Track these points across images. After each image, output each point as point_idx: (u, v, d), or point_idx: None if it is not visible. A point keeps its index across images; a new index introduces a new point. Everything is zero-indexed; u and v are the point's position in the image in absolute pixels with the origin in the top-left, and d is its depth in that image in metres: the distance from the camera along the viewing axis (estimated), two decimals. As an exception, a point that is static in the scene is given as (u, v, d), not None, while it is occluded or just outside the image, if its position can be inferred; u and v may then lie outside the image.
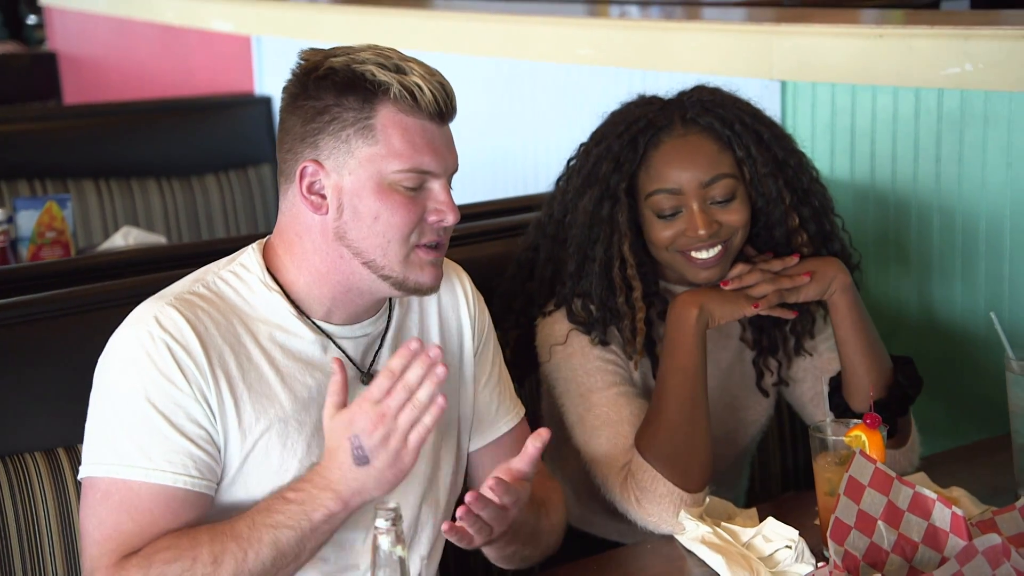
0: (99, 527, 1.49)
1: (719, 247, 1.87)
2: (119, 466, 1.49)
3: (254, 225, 4.02)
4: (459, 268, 1.79)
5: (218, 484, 1.54)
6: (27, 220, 2.94)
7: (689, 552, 1.72)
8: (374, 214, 1.55)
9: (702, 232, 1.84)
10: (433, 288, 1.60)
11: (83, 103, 5.22)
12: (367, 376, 1.63)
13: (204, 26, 4.44)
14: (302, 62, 1.59)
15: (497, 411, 1.78)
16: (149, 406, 1.49)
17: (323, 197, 1.56)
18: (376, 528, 1.31)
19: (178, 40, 4.73)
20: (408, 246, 1.56)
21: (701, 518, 1.75)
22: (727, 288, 1.87)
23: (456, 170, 1.60)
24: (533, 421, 2.11)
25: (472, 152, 3.39)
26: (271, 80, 4.17)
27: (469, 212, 2.46)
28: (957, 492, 1.81)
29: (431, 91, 1.55)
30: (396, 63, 1.55)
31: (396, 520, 1.31)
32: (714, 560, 1.66)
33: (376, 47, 1.58)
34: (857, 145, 2.41)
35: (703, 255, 1.87)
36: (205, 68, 4.59)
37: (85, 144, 3.85)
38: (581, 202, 1.90)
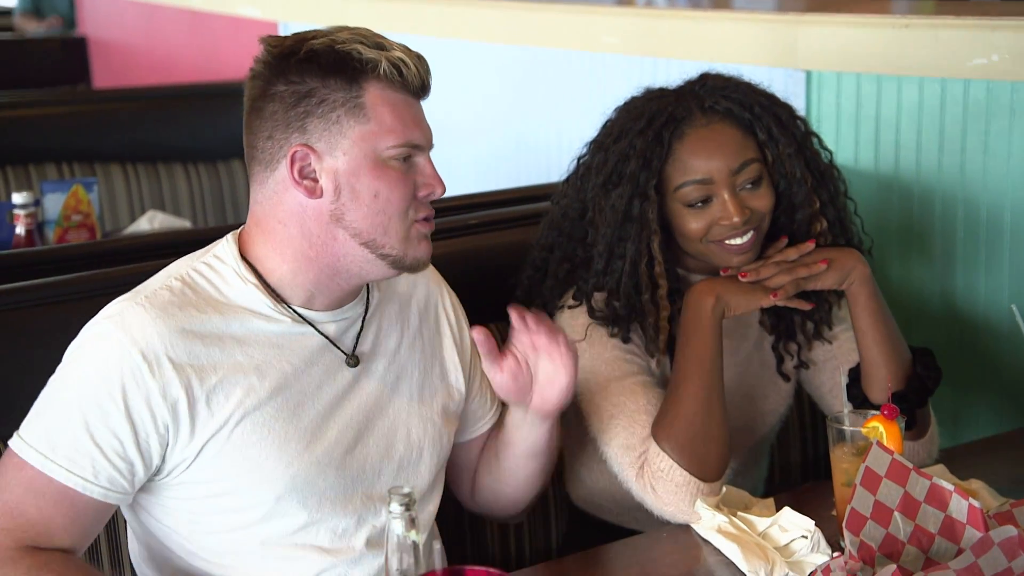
0: (7, 495, 1.51)
1: (751, 232, 1.87)
2: (27, 446, 1.51)
3: (279, 210, 4.03)
4: (438, 274, 1.83)
5: (157, 476, 1.55)
6: (54, 203, 2.96)
7: (705, 541, 1.72)
8: (373, 192, 1.56)
9: (736, 219, 1.84)
10: (427, 263, 1.63)
11: (111, 87, 5.25)
12: (353, 359, 1.64)
13: (231, 12, 4.46)
14: (271, 48, 1.58)
15: (481, 408, 1.84)
16: (75, 405, 1.51)
17: (315, 181, 1.56)
18: (390, 512, 1.32)
19: (205, 26, 4.75)
20: (408, 221, 1.58)
21: (717, 507, 1.75)
22: (745, 280, 1.86)
23: (432, 143, 1.63)
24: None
25: (495, 140, 3.41)
26: (298, 66, 4.18)
27: (490, 200, 2.47)
28: (976, 484, 1.81)
29: (415, 66, 1.57)
30: (377, 41, 1.57)
31: (410, 505, 1.32)
32: (730, 549, 1.66)
33: (348, 28, 1.59)
34: (882, 135, 2.40)
35: (737, 241, 1.86)
36: (232, 54, 4.61)
37: (113, 128, 3.87)
38: (608, 201, 1.89)
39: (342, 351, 1.64)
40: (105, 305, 1.76)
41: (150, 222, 3.28)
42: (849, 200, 1.99)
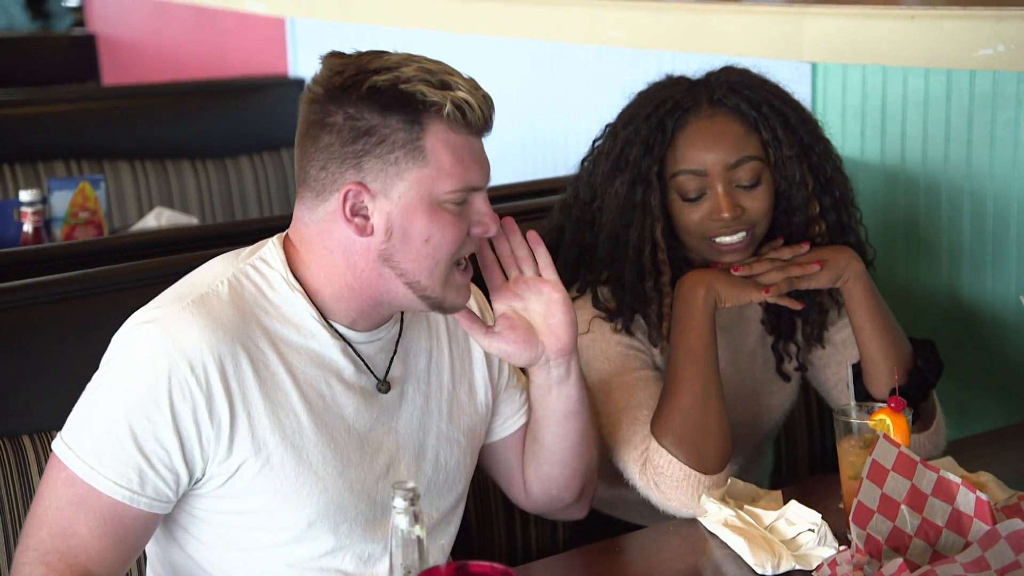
0: (57, 513, 1.47)
1: (743, 233, 1.86)
2: (74, 455, 1.47)
3: (287, 206, 4.04)
4: (484, 300, 1.77)
5: (195, 486, 1.52)
6: (61, 200, 2.96)
7: (711, 534, 1.72)
8: (425, 236, 1.52)
9: (726, 215, 1.83)
10: (463, 308, 1.61)
11: (119, 84, 5.26)
12: (384, 384, 1.61)
13: (239, 8, 4.46)
14: (334, 75, 1.51)
15: (509, 410, 1.77)
16: (121, 414, 1.47)
17: (366, 219, 1.52)
18: (394, 507, 1.32)
19: (213, 22, 4.75)
20: (451, 265, 1.55)
21: (723, 500, 1.75)
22: (737, 274, 1.86)
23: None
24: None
25: (502, 134, 3.38)
26: (305, 62, 4.19)
27: (498, 194, 2.46)
28: (984, 477, 1.80)
29: (479, 106, 1.52)
30: (441, 79, 1.50)
31: (414, 500, 1.32)
32: (736, 543, 1.66)
33: (415, 59, 1.52)
34: (888, 127, 2.39)
35: (728, 240, 1.86)
36: (240, 50, 4.61)
37: (120, 125, 3.87)
38: (612, 187, 1.89)
39: (375, 375, 1.61)
40: (114, 302, 1.76)
41: (157, 219, 3.28)
42: (856, 209, 1.98)
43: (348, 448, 1.57)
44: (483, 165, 1.56)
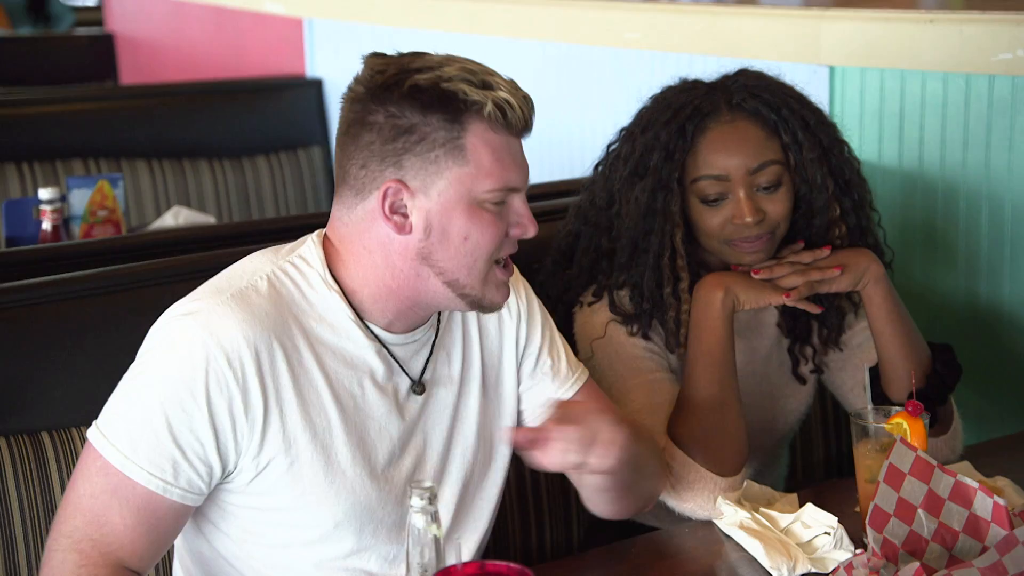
0: (91, 501, 1.48)
1: (766, 236, 1.86)
2: (109, 444, 1.48)
3: (303, 206, 4.05)
4: (517, 275, 1.74)
5: (227, 479, 1.52)
6: (80, 199, 2.97)
7: (727, 537, 1.72)
8: (464, 234, 1.52)
9: (748, 219, 1.83)
10: (502, 307, 1.61)
11: (137, 84, 5.28)
12: (419, 385, 1.61)
13: (256, 8, 4.47)
14: (374, 73, 1.52)
15: (554, 381, 1.73)
16: (157, 404, 1.47)
17: (406, 217, 1.52)
18: (411, 507, 1.32)
19: (231, 22, 4.77)
20: (490, 264, 1.55)
21: (739, 503, 1.75)
22: (757, 277, 1.86)
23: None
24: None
25: (519, 135, 3.41)
26: (323, 62, 4.19)
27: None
28: (1002, 482, 1.80)
29: (520, 107, 1.52)
30: (483, 79, 1.51)
31: (431, 499, 1.32)
32: (752, 545, 1.66)
33: (456, 60, 1.53)
34: (906, 131, 2.39)
35: (749, 242, 1.86)
36: (257, 50, 4.62)
37: (139, 124, 3.89)
38: (632, 193, 1.89)
39: (409, 377, 1.61)
40: (132, 300, 1.77)
41: (175, 218, 3.29)
42: (874, 211, 1.97)
43: (378, 450, 1.57)
44: (522, 166, 1.56)
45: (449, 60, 1.53)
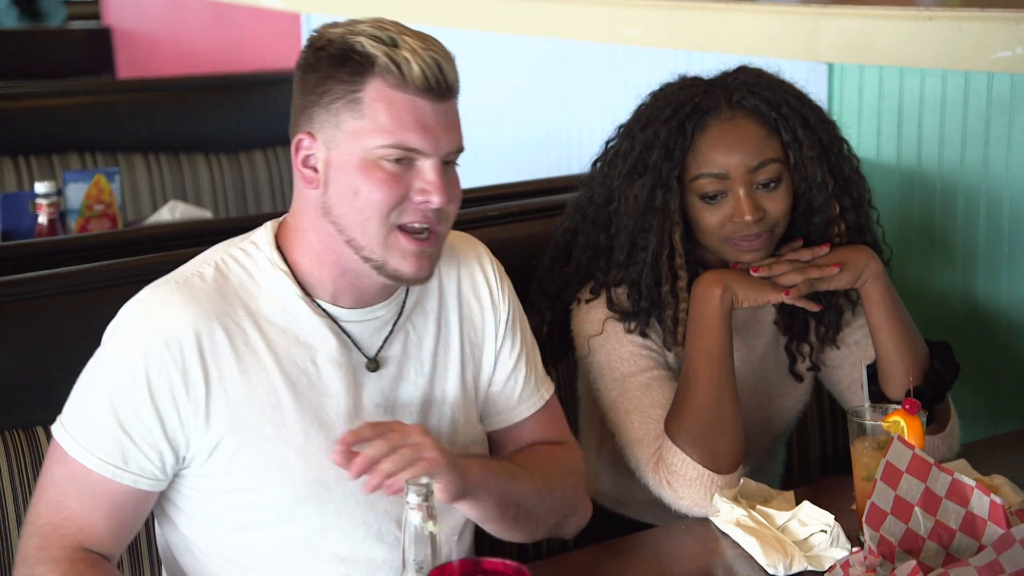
0: (52, 489, 1.53)
1: (765, 234, 1.85)
2: (65, 433, 1.53)
3: (300, 201, 4.04)
4: (482, 250, 1.74)
5: (183, 465, 1.55)
6: (76, 193, 2.97)
7: (723, 534, 1.71)
8: (354, 189, 1.52)
9: (748, 218, 1.83)
10: (417, 279, 1.56)
11: (134, 78, 5.27)
12: (373, 363, 1.61)
13: (254, 3, 4.46)
14: (313, 34, 1.58)
15: (520, 396, 1.75)
16: (103, 392, 1.52)
17: (316, 171, 1.55)
18: (407, 503, 1.32)
19: (229, 16, 4.76)
20: (388, 226, 1.52)
21: (736, 500, 1.75)
22: (756, 275, 1.85)
23: (456, 151, 1.55)
24: (569, 404, 2.12)
25: (516, 131, 3.41)
26: (320, 57, 4.18)
27: (511, 191, 2.47)
28: (998, 480, 1.80)
29: (419, 66, 1.50)
30: (392, 36, 1.52)
31: (428, 496, 1.32)
32: (748, 543, 1.66)
33: (381, 20, 1.55)
34: (904, 129, 2.38)
35: (748, 240, 1.85)
36: (255, 44, 4.62)
37: (136, 118, 3.88)
38: (631, 190, 1.88)
39: (363, 353, 1.61)
40: (128, 294, 1.77)
41: (171, 212, 3.29)
42: (873, 209, 1.97)
43: (336, 426, 1.57)
44: (430, 130, 1.52)
45: (374, 20, 1.55)
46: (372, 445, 1.48)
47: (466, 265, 1.72)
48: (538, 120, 3.20)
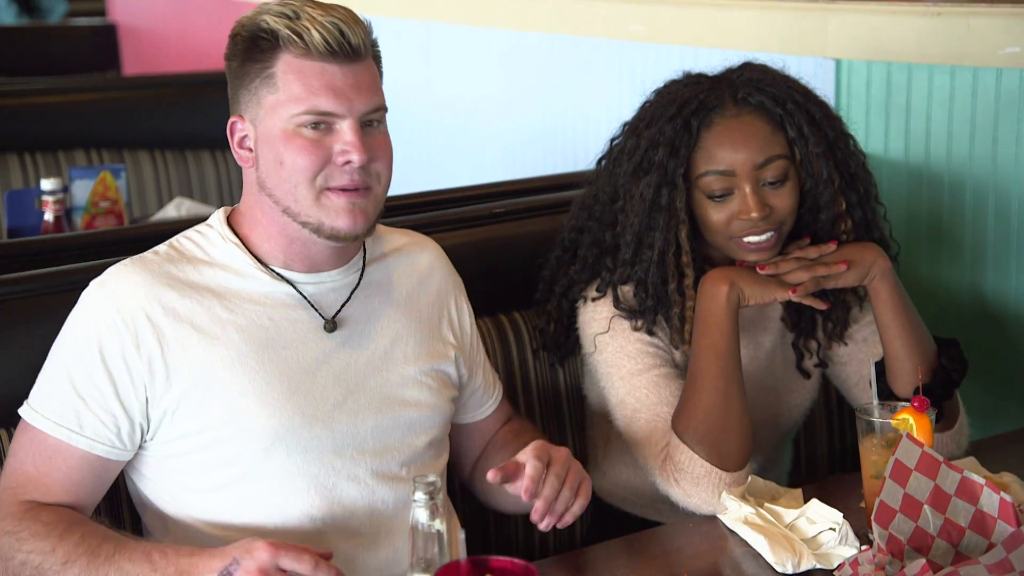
0: (13, 459, 1.61)
1: (771, 233, 1.85)
2: (27, 406, 1.60)
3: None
4: (436, 250, 1.83)
5: (146, 435, 1.61)
6: (82, 189, 2.98)
7: (731, 532, 1.71)
8: (279, 159, 1.60)
9: (755, 215, 1.82)
10: (352, 234, 1.62)
11: (140, 74, 5.27)
12: (331, 323, 1.67)
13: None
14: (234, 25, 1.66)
15: (483, 394, 1.87)
16: (61, 360, 1.60)
17: (250, 151, 1.63)
18: (414, 501, 1.32)
19: (234, 13, 4.74)
20: (315, 189, 1.60)
21: (744, 498, 1.74)
22: (763, 272, 1.85)
23: (374, 110, 1.61)
24: (576, 401, 2.12)
25: (521, 128, 3.40)
26: (325, 53, 4.18)
27: (516, 188, 2.46)
28: (1008, 477, 1.79)
29: (320, 32, 1.57)
30: (295, 9, 1.60)
31: (434, 493, 1.31)
32: (756, 541, 1.65)
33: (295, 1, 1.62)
34: (912, 125, 2.38)
35: (755, 239, 1.84)
36: (260, 41, 4.61)
37: (141, 115, 3.88)
38: (637, 188, 1.88)
39: (320, 315, 1.67)
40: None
41: (177, 209, 3.29)
42: (879, 204, 1.96)
43: (297, 377, 1.63)
44: (341, 92, 1.59)
45: (286, 1, 1.62)
46: (547, 484, 1.57)
47: (448, 282, 1.82)
48: (544, 116, 3.20)
